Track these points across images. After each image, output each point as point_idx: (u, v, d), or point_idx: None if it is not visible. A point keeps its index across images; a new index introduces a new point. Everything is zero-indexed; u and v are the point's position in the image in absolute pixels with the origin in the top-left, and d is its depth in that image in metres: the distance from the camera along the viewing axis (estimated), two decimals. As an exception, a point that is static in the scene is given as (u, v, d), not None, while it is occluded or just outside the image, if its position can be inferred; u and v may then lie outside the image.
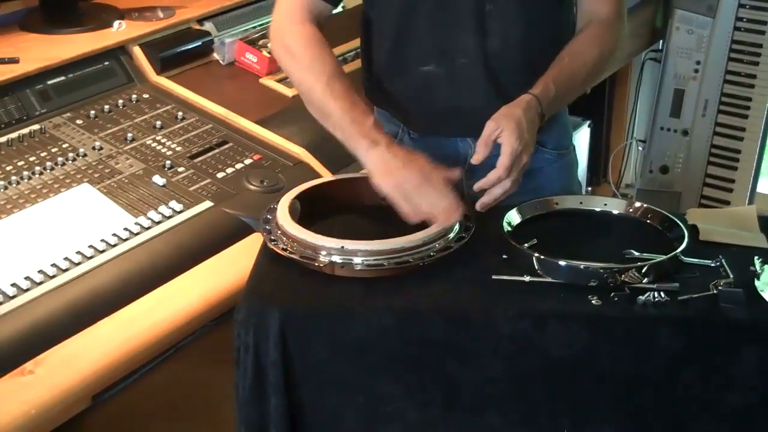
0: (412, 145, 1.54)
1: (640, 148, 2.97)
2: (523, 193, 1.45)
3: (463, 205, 1.28)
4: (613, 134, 3.08)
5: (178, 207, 1.48)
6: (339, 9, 2.30)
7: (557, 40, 1.45)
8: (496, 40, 1.41)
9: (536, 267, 1.22)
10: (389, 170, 1.29)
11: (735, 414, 1.17)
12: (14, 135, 1.63)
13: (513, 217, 1.34)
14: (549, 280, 1.21)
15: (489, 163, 1.33)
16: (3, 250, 1.35)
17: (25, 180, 1.52)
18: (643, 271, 1.19)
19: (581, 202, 1.40)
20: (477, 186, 1.32)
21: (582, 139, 2.75)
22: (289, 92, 1.92)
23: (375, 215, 1.33)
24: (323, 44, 1.44)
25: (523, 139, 1.31)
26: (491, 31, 1.40)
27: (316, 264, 1.21)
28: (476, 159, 1.33)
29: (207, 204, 1.52)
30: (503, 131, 1.31)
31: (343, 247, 1.22)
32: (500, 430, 1.20)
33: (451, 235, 1.28)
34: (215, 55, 2.02)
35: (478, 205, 1.32)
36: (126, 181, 1.55)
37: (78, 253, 1.36)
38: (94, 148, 1.63)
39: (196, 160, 1.64)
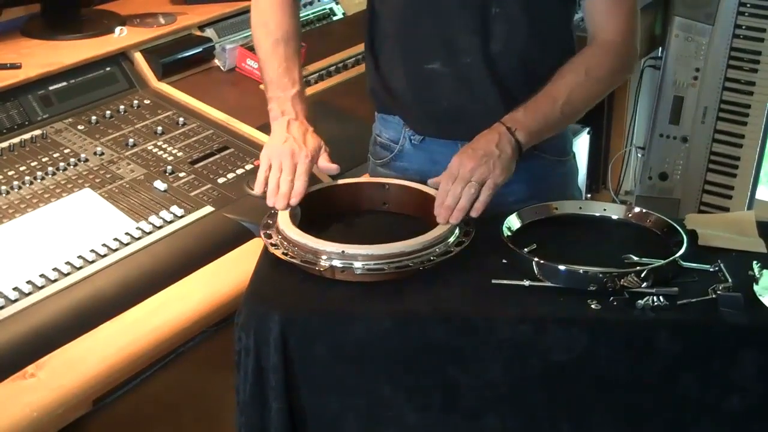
0: (413, 152, 1.55)
1: (640, 155, 2.98)
2: (523, 199, 1.45)
3: (299, 193, 1.33)
4: (613, 141, 3.08)
5: (179, 212, 1.49)
6: (339, 16, 2.33)
7: (561, 46, 1.45)
8: (499, 44, 1.41)
9: (536, 272, 1.22)
10: (272, 141, 1.39)
11: (734, 418, 1.18)
12: (16, 140, 1.64)
13: (513, 222, 1.35)
14: (548, 284, 1.21)
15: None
16: (5, 254, 1.35)
17: (27, 185, 1.53)
18: (642, 275, 1.20)
19: (581, 208, 1.40)
20: (435, 211, 1.31)
21: (581, 146, 2.75)
22: (290, 98, 1.93)
23: (375, 220, 1.34)
24: (289, 7, 1.52)
25: (468, 154, 1.32)
26: (495, 35, 1.41)
27: (317, 268, 1.22)
28: (432, 181, 1.36)
29: (208, 209, 1.52)
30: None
31: (343, 251, 1.22)
32: (500, 434, 1.20)
33: (451, 239, 1.28)
34: (216, 61, 2.03)
35: (438, 219, 1.30)
36: (127, 186, 1.55)
37: (79, 257, 1.36)
38: (95, 153, 1.63)
39: (197, 166, 1.64)
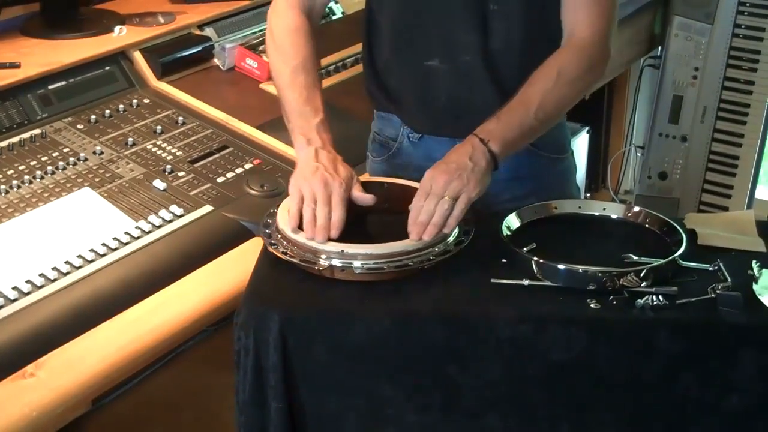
0: (411, 149, 1.54)
1: (639, 154, 2.98)
2: (522, 197, 1.45)
3: (336, 229, 1.26)
4: (612, 140, 3.08)
5: (179, 211, 1.49)
6: (339, 15, 2.32)
7: (557, 44, 1.45)
8: (498, 41, 1.41)
9: (535, 271, 1.22)
10: (302, 172, 1.32)
11: (734, 417, 1.18)
12: (15, 139, 1.64)
13: (512, 221, 1.35)
14: (548, 284, 1.21)
15: (497, 177, 1.35)
16: (5, 253, 1.35)
17: (27, 184, 1.52)
18: (642, 275, 1.20)
19: (580, 207, 1.40)
20: (409, 228, 1.28)
21: (581, 145, 2.75)
22: (289, 97, 1.93)
23: (375, 219, 1.34)
24: (304, 33, 1.47)
25: (441, 168, 1.29)
26: (494, 32, 1.41)
27: (316, 268, 1.22)
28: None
29: (207, 208, 1.52)
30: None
31: (342, 251, 1.22)
32: (499, 433, 1.20)
33: (451, 239, 1.28)
34: (215, 61, 2.02)
35: (411, 235, 1.27)
36: (127, 185, 1.55)
37: (79, 256, 1.36)
38: (95, 153, 1.63)
39: (196, 165, 1.64)
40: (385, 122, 1.58)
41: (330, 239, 1.24)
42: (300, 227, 1.26)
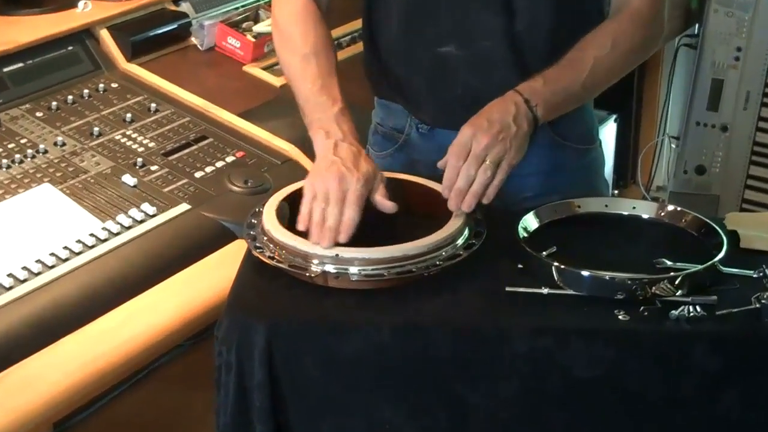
0: (420, 141, 1.55)
1: (674, 146, 2.98)
2: (542, 194, 1.46)
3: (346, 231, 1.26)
4: (643, 130, 3.09)
5: (151, 210, 1.49)
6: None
7: (591, 23, 1.45)
8: (524, 22, 1.42)
9: (556, 278, 1.22)
10: (317, 167, 1.33)
11: (780, 442, 1.18)
12: (-34, 129, 1.65)
13: (530, 221, 1.35)
14: (570, 292, 1.22)
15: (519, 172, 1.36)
16: (-47, 257, 1.36)
17: (-21, 179, 1.53)
18: (677, 282, 1.20)
19: (607, 205, 1.40)
20: (442, 191, 1.32)
21: (607, 135, 2.76)
22: (277, 81, 1.93)
23: (373, 219, 1.34)
24: (313, 16, 1.47)
25: (481, 127, 1.31)
26: (519, 11, 1.41)
27: (307, 274, 1.22)
28: (441, 163, 1.34)
29: (184, 207, 1.53)
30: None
31: (337, 255, 1.23)
32: (515, 461, 1.20)
33: (460, 241, 1.29)
34: (193, 40, 2.03)
35: (450, 206, 1.31)
36: (92, 180, 1.56)
37: (38, 261, 1.36)
38: (56, 144, 1.64)
39: (171, 158, 1.65)
40: (389, 111, 1.59)
41: (337, 244, 1.24)
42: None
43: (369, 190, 1.30)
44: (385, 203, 1.31)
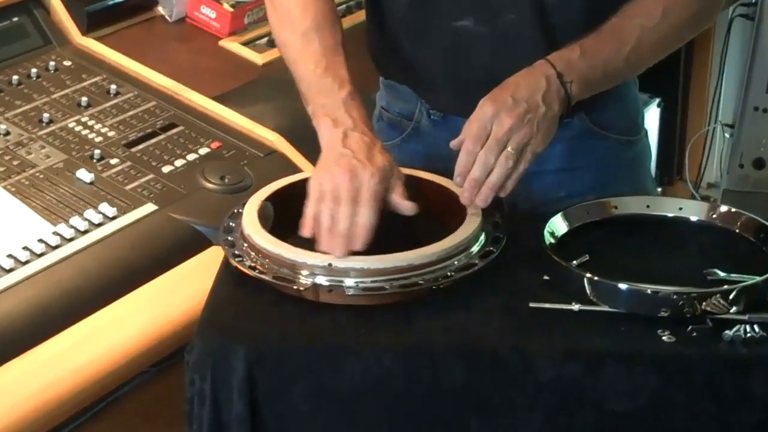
0: (432, 130, 1.56)
1: (727, 135, 2.99)
2: (580, 194, 1.46)
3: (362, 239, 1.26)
4: (691, 117, 3.09)
5: (111, 211, 1.49)
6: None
7: None
8: None
9: (588, 292, 1.23)
10: (324, 161, 1.32)
11: None
12: None
13: (558, 225, 1.35)
14: (605, 309, 1.22)
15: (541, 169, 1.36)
16: None
17: None
18: (731, 297, 1.20)
19: (648, 206, 1.41)
20: (455, 179, 1.32)
21: (650, 123, 2.76)
22: (259, 58, 1.94)
23: (381, 224, 1.34)
24: None
25: (505, 105, 1.31)
26: None
27: (295, 287, 1.22)
28: (454, 143, 1.34)
29: (149, 207, 1.53)
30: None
31: (330, 264, 1.23)
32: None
33: (475, 248, 1.29)
34: (160, 9, 2.03)
35: (462, 199, 1.31)
36: (41, 176, 1.56)
37: (-23, 272, 1.37)
38: (-2, 133, 1.64)
39: (134, 150, 1.65)
40: (396, 94, 1.59)
41: (351, 253, 1.24)
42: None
43: (386, 188, 1.29)
44: (403, 204, 1.30)
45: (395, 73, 1.57)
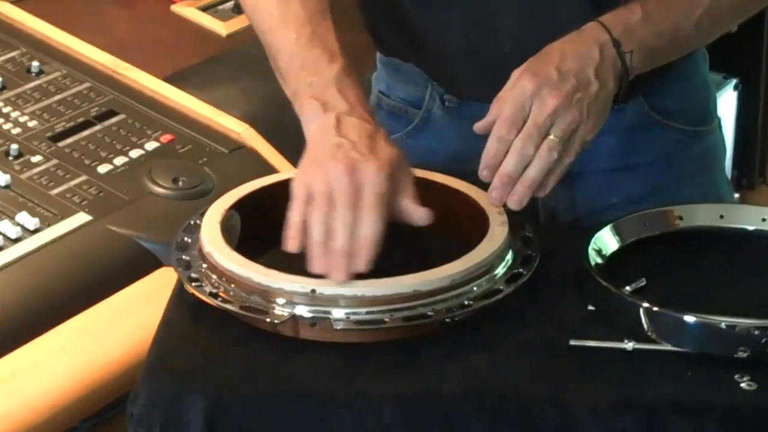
0: (446, 121, 1.57)
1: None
2: (636, 199, 1.47)
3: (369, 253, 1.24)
4: (776, 102, 3.09)
5: (32, 223, 1.50)
6: None
7: None
8: None
9: (645, 326, 1.22)
10: (313, 154, 1.29)
11: None
12: None
13: (606, 240, 1.35)
14: (667, 348, 1.22)
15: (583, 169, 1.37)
16: None
17: None
18: (828, 333, 1.20)
19: (722, 216, 1.41)
20: (481, 172, 1.32)
21: (724, 109, 2.76)
22: (222, 28, 1.94)
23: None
24: None
25: (548, 80, 1.31)
26: None
27: (269, 320, 1.22)
28: (479, 125, 1.34)
29: (81, 218, 1.53)
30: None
31: (314, 290, 1.23)
32: None
33: (500, 270, 1.29)
34: (96, -35, 2.04)
35: (490, 198, 1.31)
36: (-57, 178, 1.57)
37: None
38: None
39: (62, 144, 1.65)
40: (399, 75, 1.60)
41: (355, 275, 1.23)
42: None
43: (393, 189, 1.27)
44: (415, 211, 1.29)
45: (399, 48, 1.57)
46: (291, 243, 1.25)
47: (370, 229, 1.23)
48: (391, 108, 1.60)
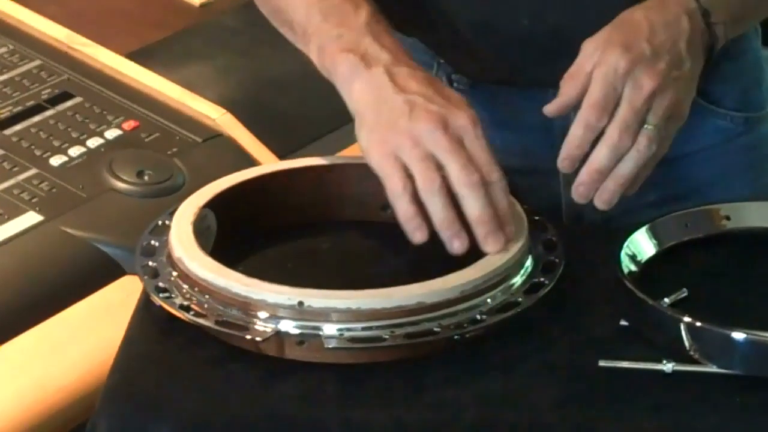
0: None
1: None
2: (672, 196, 1.50)
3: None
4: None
5: (-25, 224, 1.50)
6: None
7: None
8: None
9: (687, 344, 1.22)
10: (380, 122, 1.29)
11: None
12: None
13: (642, 244, 1.35)
14: (713, 369, 1.22)
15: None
16: None
17: None
18: None
19: (776, 216, 1.41)
20: (561, 162, 1.33)
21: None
22: (196, -2, 1.94)
23: (363, 240, 1.34)
24: None
25: (642, 57, 1.31)
26: None
27: (250, 337, 1.22)
28: (550, 108, 1.34)
29: (31, 218, 1.53)
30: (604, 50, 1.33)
31: (301, 302, 1.23)
32: None
33: (518, 279, 1.29)
34: (47, -77, 2.04)
35: (575, 194, 1.33)
36: None
37: None
38: None
39: (8, 132, 1.65)
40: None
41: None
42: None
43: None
44: None
45: (402, 23, 1.58)
46: (419, 234, 1.26)
47: (498, 188, 1.26)
48: None
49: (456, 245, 1.25)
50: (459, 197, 1.24)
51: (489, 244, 1.24)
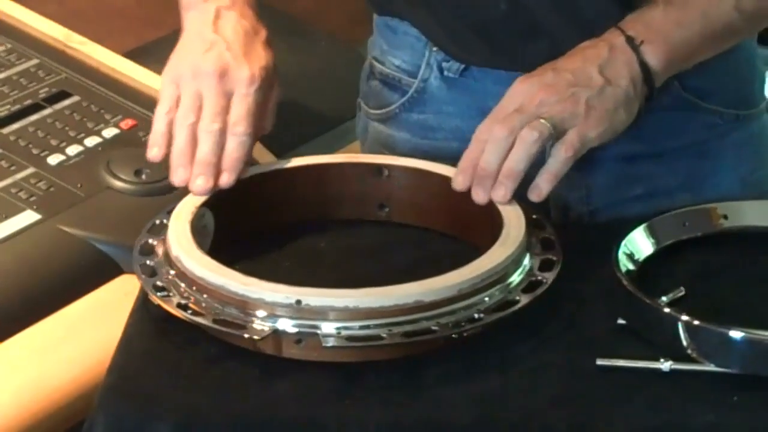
0: (445, 93, 1.58)
1: None
2: (663, 190, 1.49)
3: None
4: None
5: (-28, 222, 1.50)
6: None
7: None
8: None
9: (684, 342, 1.22)
10: (183, 49, 1.40)
11: None
12: None
13: (638, 243, 1.35)
14: (710, 368, 1.22)
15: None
16: None
17: None
18: None
19: (773, 214, 1.42)
20: (456, 179, 1.35)
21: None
22: (192, -4, 1.94)
23: (361, 238, 1.34)
24: None
25: (540, 80, 1.34)
26: None
27: (248, 336, 1.22)
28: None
29: (29, 216, 1.52)
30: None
31: (299, 301, 1.23)
32: None
33: (516, 278, 1.29)
34: None
35: (453, 182, 1.35)
36: None
37: None
38: None
39: (6, 130, 1.65)
40: (397, 39, 1.61)
41: (217, 186, 1.30)
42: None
43: (267, 97, 1.36)
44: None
45: (395, 5, 1.58)
46: (155, 151, 1.34)
47: (235, 140, 1.33)
48: (385, 77, 1.61)
49: (177, 176, 1.33)
50: (198, 138, 1.32)
51: (195, 185, 1.31)
